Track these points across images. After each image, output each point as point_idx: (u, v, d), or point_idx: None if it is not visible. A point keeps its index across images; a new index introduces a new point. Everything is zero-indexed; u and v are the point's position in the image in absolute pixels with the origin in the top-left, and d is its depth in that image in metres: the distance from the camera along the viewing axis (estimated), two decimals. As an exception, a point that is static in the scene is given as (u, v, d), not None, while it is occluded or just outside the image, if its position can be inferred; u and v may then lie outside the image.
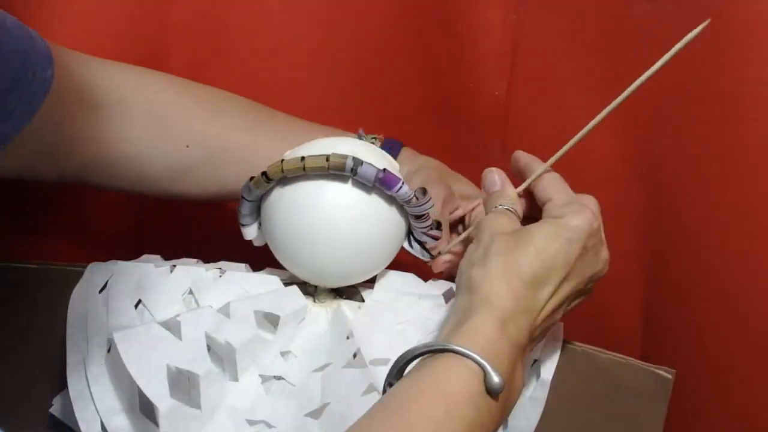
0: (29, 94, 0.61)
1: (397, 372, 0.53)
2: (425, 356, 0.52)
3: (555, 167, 0.64)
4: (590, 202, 0.61)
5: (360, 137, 0.74)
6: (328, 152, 0.63)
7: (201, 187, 0.73)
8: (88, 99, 0.67)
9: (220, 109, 0.73)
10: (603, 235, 0.60)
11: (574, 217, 0.58)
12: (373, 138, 0.74)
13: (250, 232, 0.69)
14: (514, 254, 0.56)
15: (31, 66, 0.61)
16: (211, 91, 0.75)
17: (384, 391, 0.54)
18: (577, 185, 0.85)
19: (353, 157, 0.63)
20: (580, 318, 0.69)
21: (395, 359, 0.53)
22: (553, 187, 0.61)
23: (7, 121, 0.60)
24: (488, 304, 0.53)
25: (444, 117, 0.91)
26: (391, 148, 0.75)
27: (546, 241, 0.56)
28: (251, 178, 0.65)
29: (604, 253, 0.60)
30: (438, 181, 0.73)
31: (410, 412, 0.49)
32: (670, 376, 0.67)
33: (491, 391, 0.50)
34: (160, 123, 0.70)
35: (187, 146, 0.70)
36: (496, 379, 0.50)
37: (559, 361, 0.66)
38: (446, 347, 0.51)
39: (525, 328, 0.54)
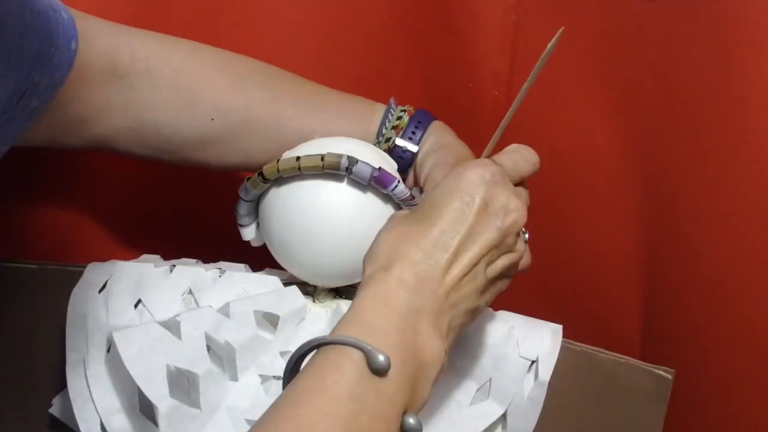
0: (52, 67, 0.61)
1: (289, 373, 0.51)
2: (315, 352, 0.50)
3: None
4: (502, 158, 0.58)
5: (390, 106, 0.73)
6: (324, 152, 0.63)
7: (225, 158, 0.72)
8: (113, 69, 0.67)
9: (245, 79, 0.72)
10: (512, 200, 0.55)
11: (465, 171, 0.55)
12: (402, 110, 0.73)
13: (249, 233, 0.70)
14: (406, 219, 0.54)
15: (55, 40, 0.61)
16: (236, 59, 0.74)
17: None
18: (577, 185, 0.86)
19: (348, 156, 0.63)
20: (579, 318, 0.69)
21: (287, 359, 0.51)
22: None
23: (33, 95, 0.60)
24: (369, 281, 0.52)
25: (443, 117, 0.91)
26: (420, 120, 0.72)
27: (435, 199, 0.54)
28: (248, 179, 0.65)
29: (511, 204, 0.55)
30: (449, 166, 0.68)
31: (292, 414, 0.47)
32: (669, 376, 0.67)
33: (377, 371, 0.48)
34: (185, 92, 0.69)
35: (212, 119, 0.70)
36: (379, 357, 0.47)
37: (558, 361, 0.66)
38: (321, 341, 0.49)
39: (423, 294, 0.51)
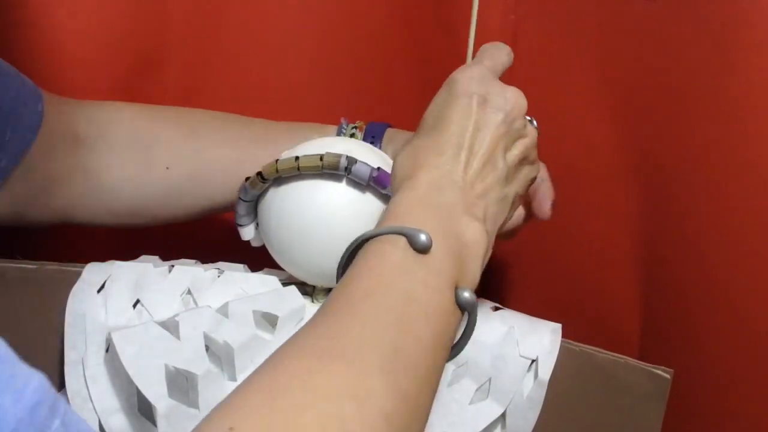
0: (23, 126, 0.62)
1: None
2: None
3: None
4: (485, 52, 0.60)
5: (342, 126, 0.74)
6: (323, 152, 0.63)
7: (191, 207, 0.74)
8: (74, 133, 0.69)
9: (196, 126, 0.74)
10: (508, 89, 0.57)
11: (454, 77, 0.56)
12: (354, 127, 0.74)
13: (248, 233, 0.70)
14: (416, 137, 0.56)
15: (23, 98, 0.62)
16: (186, 111, 0.76)
17: None
18: (576, 184, 0.86)
19: (347, 156, 0.63)
20: (577, 318, 0.69)
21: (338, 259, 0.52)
22: None
23: (3, 153, 0.61)
24: (396, 192, 0.53)
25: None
26: (374, 135, 0.74)
27: (436, 111, 0.56)
28: (247, 179, 0.65)
29: (507, 92, 0.56)
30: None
31: (348, 295, 0.47)
32: (668, 376, 0.67)
33: (421, 249, 0.48)
34: (139, 148, 0.71)
35: (167, 168, 0.71)
36: (421, 236, 0.48)
37: (557, 360, 0.66)
38: (363, 237, 0.50)
39: (451, 190, 0.53)
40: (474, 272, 0.52)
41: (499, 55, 0.60)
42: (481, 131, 0.55)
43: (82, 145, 0.69)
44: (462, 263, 0.51)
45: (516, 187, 0.58)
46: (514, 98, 0.56)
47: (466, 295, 0.50)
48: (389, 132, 0.75)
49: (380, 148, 0.72)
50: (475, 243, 0.52)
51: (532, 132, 0.59)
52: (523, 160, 0.58)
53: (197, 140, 0.73)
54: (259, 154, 0.70)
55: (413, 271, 0.48)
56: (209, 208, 0.74)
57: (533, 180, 0.61)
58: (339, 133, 0.74)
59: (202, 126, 0.74)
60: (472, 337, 0.65)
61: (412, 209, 0.52)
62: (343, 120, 0.75)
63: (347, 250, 0.51)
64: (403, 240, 0.49)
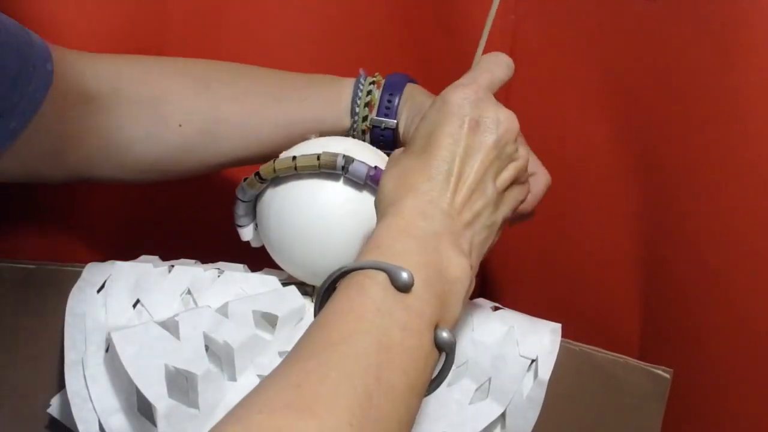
0: (32, 88, 0.61)
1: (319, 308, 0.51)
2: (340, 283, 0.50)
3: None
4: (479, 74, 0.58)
5: (360, 79, 0.72)
6: (320, 151, 0.63)
7: (204, 162, 0.72)
8: (85, 91, 0.67)
9: (208, 80, 0.72)
10: (501, 111, 0.56)
11: (448, 96, 0.55)
12: (372, 82, 0.72)
13: (247, 233, 0.70)
14: (404, 156, 0.55)
15: (32, 60, 0.61)
16: (198, 62, 0.74)
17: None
18: (576, 185, 0.86)
19: (344, 155, 0.63)
20: (577, 317, 0.69)
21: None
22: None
23: (11, 116, 0.60)
24: (382, 217, 0.52)
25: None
26: (392, 91, 0.71)
27: (427, 130, 0.55)
28: (244, 179, 0.65)
29: (501, 115, 0.55)
30: None
31: (320, 334, 0.46)
32: (667, 375, 0.67)
33: (402, 287, 0.47)
34: (151, 104, 0.70)
35: (180, 125, 0.70)
36: (403, 274, 0.47)
37: (556, 360, 0.66)
38: (343, 270, 0.49)
39: (437, 218, 0.52)
40: (455, 311, 0.50)
41: (498, 69, 0.59)
42: (471, 157, 0.54)
43: (94, 103, 0.68)
44: (443, 302, 0.50)
45: (505, 210, 0.57)
46: (507, 121, 0.55)
47: (445, 335, 0.48)
48: (409, 88, 0.72)
49: (398, 104, 0.70)
50: (458, 280, 0.51)
51: (523, 153, 0.57)
52: (513, 183, 0.57)
53: (209, 96, 0.71)
54: (272, 110, 0.69)
55: (392, 313, 0.47)
56: (221, 164, 0.73)
57: (523, 201, 0.60)
58: (356, 87, 0.71)
59: (214, 80, 0.72)
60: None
61: (395, 240, 0.50)
62: (361, 71, 0.73)
63: (328, 279, 0.50)
64: (383, 276, 0.48)
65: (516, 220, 0.66)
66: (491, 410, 0.65)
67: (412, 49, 0.89)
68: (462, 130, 0.54)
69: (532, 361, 0.66)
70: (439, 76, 0.90)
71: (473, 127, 0.54)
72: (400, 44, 0.89)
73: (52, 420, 0.66)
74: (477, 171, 0.54)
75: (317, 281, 0.68)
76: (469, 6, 0.85)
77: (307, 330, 0.47)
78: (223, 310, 0.63)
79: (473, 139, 0.54)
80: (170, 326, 0.62)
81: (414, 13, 0.88)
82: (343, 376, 0.43)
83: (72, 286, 0.66)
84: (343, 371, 0.44)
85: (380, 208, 0.54)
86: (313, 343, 0.46)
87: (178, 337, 0.61)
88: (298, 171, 0.64)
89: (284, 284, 0.67)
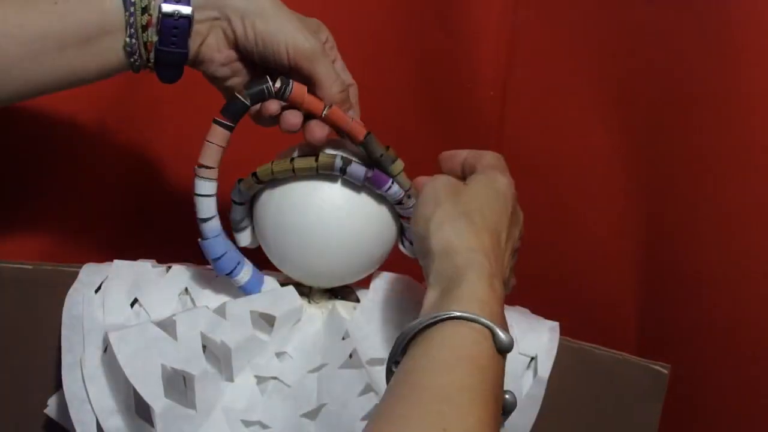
0: None
1: (401, 350, 0.52)
2: (425, 330, 0.51)
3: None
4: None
5: None
6: (318, 152, 0.63)
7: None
8: None
9: None
10: (518, 207, 0.62)
11: (502, 176, 0.60)
12: None
13: (244, 239, 0.68)
14: (471, 206, 0.57)
15: None
16: None
17: (389, 371, 0.52)
18: (575, 184, 0.86)
19: (342, 156, 0.63)
20: (576, 315, 0.69)
21: (397, 336, 0.52)
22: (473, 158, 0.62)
23: None
24: (471, 263, 0.53)
25: (440, 117, 0.91)
26: None
27: (484, 197, 0.58)
28: (240, 180, 0.64)
29: (521, 215, 0.62)
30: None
31: (441, 382, 0.48)
32: (665, 371, 0.68)
33: (502, 350, 0.50)
34: None
35: None
36: (505, 337, 0.50)
37: (555, 358, 0.66)
38: (452, 315, 0.50)
39: (500, 281, 0.54)
40: None
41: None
42: (511, 234, 0.59)
43: None
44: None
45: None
46: (521, 215, 0.62)
47: (507, 397, 0.53)
48: None
49: None
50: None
51: (520, 216, 0.62)
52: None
53: None
54: (24, 19, 0.58)
55: (493, 372, 0.49)
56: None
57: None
58: None
59: None
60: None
61: (491, 299, 0.52)
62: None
63: (424, 319, 0.51)
64: (488, 333, 0.50)
65: None
66: (490, 408, 0.64)
67: (410, 49, 0.89)
68: (506, 213, 0.58)
69: (532, 358, 0.66)
70: (436, 76, 0.90)
71: (513, 213, 0.59)
72: (397, 44, 0.89)
73: (49, 420, 0.66)
74: (513, 245, 0.60)
75: (314, 282, 0.68)
76: (469, 6, 0.85)
77: (410, 370, 0.49)
78: (221, 311, 0.63)
79: (511, 223, 0.59)
80: (168, 326, 0.62)
81: (412, 14, 0.88)
82: (477, 421, 0.46)
83: (69, 286, 0.66)
84: (478, 417, 0.47)
85: (456, 248, 0.54)
86: (442, 386, 0.48)
87: (175, 338, 0.61)
88: (296, 173, 0.63)
89: (281, 285, 0.67)
